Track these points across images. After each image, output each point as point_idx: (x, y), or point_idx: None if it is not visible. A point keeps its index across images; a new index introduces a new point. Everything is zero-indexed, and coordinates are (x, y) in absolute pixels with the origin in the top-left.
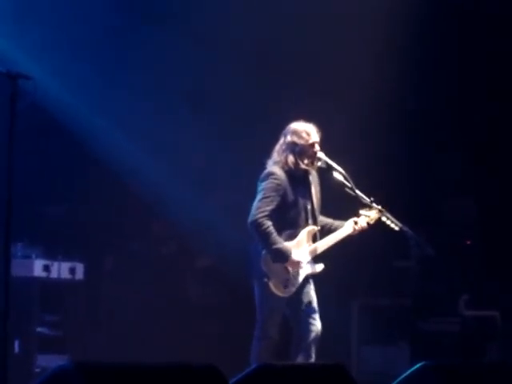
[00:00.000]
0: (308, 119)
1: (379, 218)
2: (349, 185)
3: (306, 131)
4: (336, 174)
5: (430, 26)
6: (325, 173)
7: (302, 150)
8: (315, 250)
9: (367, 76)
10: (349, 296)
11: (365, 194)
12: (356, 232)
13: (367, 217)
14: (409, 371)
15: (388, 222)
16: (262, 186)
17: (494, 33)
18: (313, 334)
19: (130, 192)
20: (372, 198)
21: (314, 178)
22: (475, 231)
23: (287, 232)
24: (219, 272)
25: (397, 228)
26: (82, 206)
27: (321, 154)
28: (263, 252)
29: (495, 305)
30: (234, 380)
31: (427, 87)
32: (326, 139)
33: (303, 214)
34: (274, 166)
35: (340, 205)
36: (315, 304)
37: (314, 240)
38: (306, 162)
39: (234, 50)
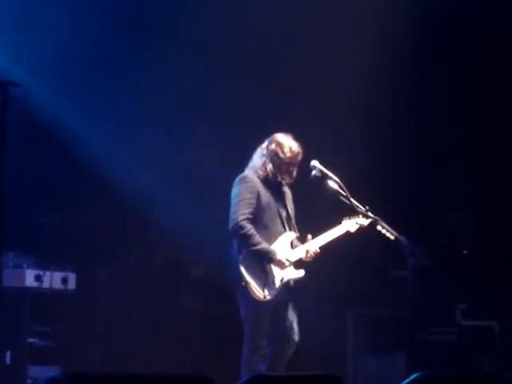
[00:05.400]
0: (307, 123)
1: (371, 228)
2: (344, 193)
3: (291, 148)
4: (331, 183)
5: (431, 34)
6: (319, 181)
7: (280, 165)
8: (297, 254)
9: (369, 85)
10: (344, 305)
11: (360, 203)
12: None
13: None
14: (404, 381)
15: (383, 231)
16: (236, 190)
17: (496, 43)
18: (291, 346)
19: (124, 201)
20: (367, 207)
21: (287, 192)
22: (473, 241)
23: (261, 235)
24: (213, 281)
25: (392, 237)
26: (74, 216)
27: (315, 162)
28: (240, 257)
29: (493, 314)
30: None
31: (428, 97)
32: (325, 147)
33: (278, 220)
34: (248, 171)
35: (334, 214)
36: (295, 315)
37: (292, 246)
38: (282, 175)
39: (232, 53)
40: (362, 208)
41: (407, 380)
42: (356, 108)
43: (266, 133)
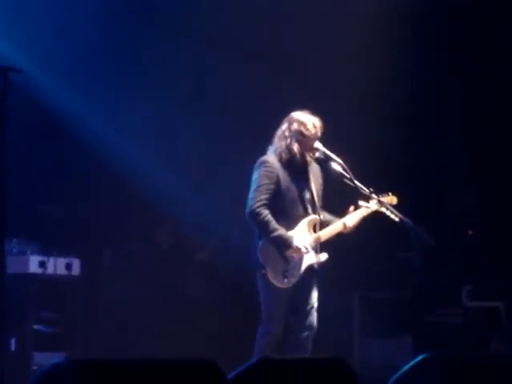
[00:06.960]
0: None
1: (376, 212)
2: (348, 175)
3: (314, 124)
4: (334, 165)
5: (430, 22)
6: (323, 163)
7: (307, 142)
8: (318, 238)
9: (369, 68)
10: (350, 288)
11: (364, 185)
12: (349, 227)
13: (367, 208)
14: (410, 363)
15: (388, 213)
16: (255, 175)
17: (495, 31)
18: (310, 329)
19: (128, 188)
20: (371, 189)
21: (314, 170)
22: (477, 222)
23: (280, 221)
24: (218, 266)
25: (397, 219)
26: (77, 202)
27: (319, 145)
28: (260, 243)
29: (498, 295)
30: (234, 373)
31: (430, 80)
32: (326, 131)
33: (299, 204)
34: (269, 155)
35: (339, 196)
36: (315, 299)
37: (315, 230)
38: (309, 153)
39: (233, 48)
40: (367, 190)
41: (413, 361)
42: (356, 94)
43: (267, 123)
